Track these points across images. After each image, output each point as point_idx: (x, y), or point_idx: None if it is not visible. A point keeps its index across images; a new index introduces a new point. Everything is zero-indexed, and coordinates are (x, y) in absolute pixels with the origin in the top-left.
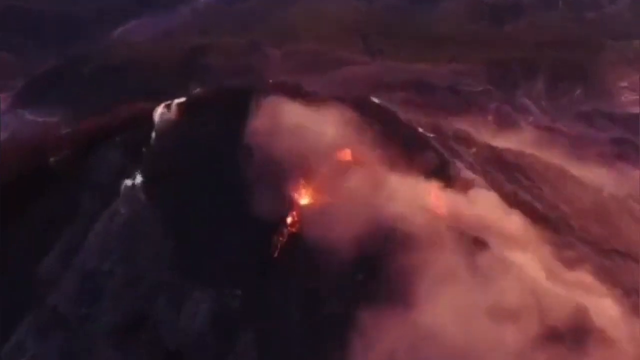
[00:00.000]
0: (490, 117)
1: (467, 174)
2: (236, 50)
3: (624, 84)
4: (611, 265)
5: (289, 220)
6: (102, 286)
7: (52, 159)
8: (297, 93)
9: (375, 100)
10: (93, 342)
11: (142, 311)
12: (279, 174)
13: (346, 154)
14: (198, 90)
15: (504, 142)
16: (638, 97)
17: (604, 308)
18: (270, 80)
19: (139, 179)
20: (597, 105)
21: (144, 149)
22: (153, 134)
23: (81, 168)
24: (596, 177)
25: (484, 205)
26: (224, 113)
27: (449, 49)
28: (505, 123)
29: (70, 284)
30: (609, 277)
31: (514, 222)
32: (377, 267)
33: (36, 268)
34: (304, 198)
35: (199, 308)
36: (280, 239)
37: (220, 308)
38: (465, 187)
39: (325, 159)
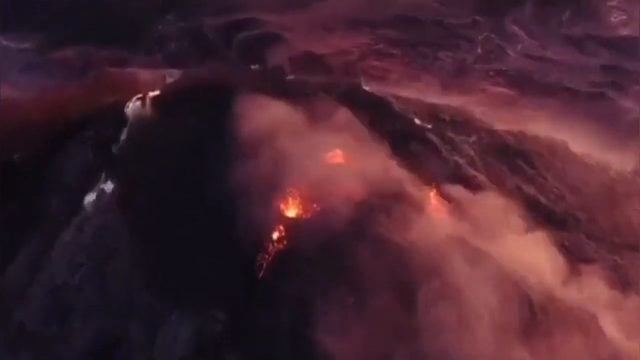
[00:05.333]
0: (479, 50)
1: (469, 172)
2: None
3: (613, 3)
4: (623, 263)
5: (275, 235)
6: (71, 303)
7: (16, 156)
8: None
9: (368, 89)
10: None
11: (115, 334)
12: (264, 182)
13: (338, 158)
14: (172, 81)
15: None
16: (627, 17)
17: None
18: (253, 67)
19: (109, 183)
20: (586, 29)
21: (114, 149)
22: (125, 132)
23: (48, 167)
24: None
25: (487, 208)
26: (204, 110)
27: None
28: (494, 55)
29: (37, 298)
30: (621, 279)
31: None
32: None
33: (1, 278)
34: (292, 209)
35: (178, 333)
36: (266, 256)
37: (201, 333)
38: (466, 188)
39: (315, 163)
